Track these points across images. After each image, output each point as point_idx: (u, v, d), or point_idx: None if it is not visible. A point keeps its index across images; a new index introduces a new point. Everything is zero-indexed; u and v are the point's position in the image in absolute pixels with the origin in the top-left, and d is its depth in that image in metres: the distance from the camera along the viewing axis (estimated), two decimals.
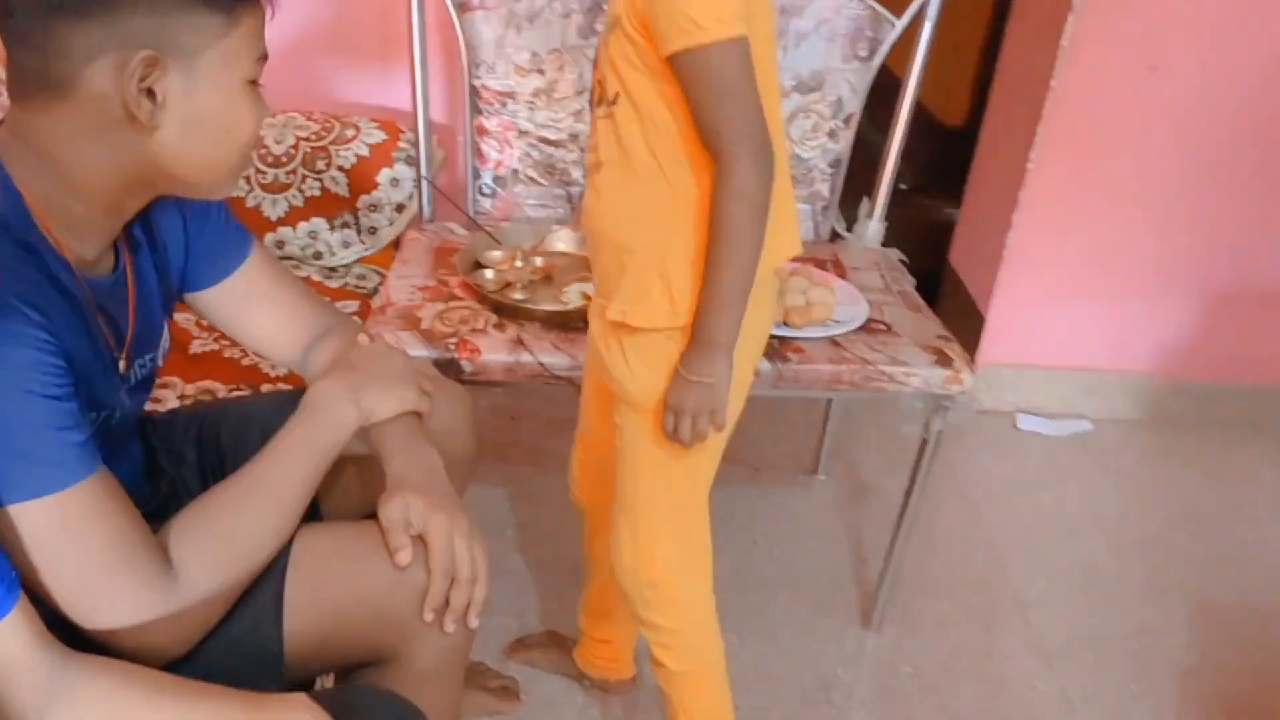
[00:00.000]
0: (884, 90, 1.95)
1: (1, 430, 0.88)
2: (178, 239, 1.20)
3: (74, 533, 0.93)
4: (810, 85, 1.90)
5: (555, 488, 1.71)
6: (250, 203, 2.01)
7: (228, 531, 1.04)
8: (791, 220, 1.29)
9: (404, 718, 1.01)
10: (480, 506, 2.11)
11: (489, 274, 1.72)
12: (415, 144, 1.94)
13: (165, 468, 1.29)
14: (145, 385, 1.19)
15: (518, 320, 1.64)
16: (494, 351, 1.57)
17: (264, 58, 1.00)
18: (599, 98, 1.19)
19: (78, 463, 0.92)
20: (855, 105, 1.93)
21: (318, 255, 2.04)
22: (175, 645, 1.01)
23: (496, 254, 1.77)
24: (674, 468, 1.30)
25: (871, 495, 2.29)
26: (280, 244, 2.03)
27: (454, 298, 1.70)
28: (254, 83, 0.99)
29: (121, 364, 1.08)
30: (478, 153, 1.95)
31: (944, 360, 1.65)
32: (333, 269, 2.06)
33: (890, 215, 2.03)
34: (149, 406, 1.39)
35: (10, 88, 0.94)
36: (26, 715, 0.88)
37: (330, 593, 1.10)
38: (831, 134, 1.95)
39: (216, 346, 1.74)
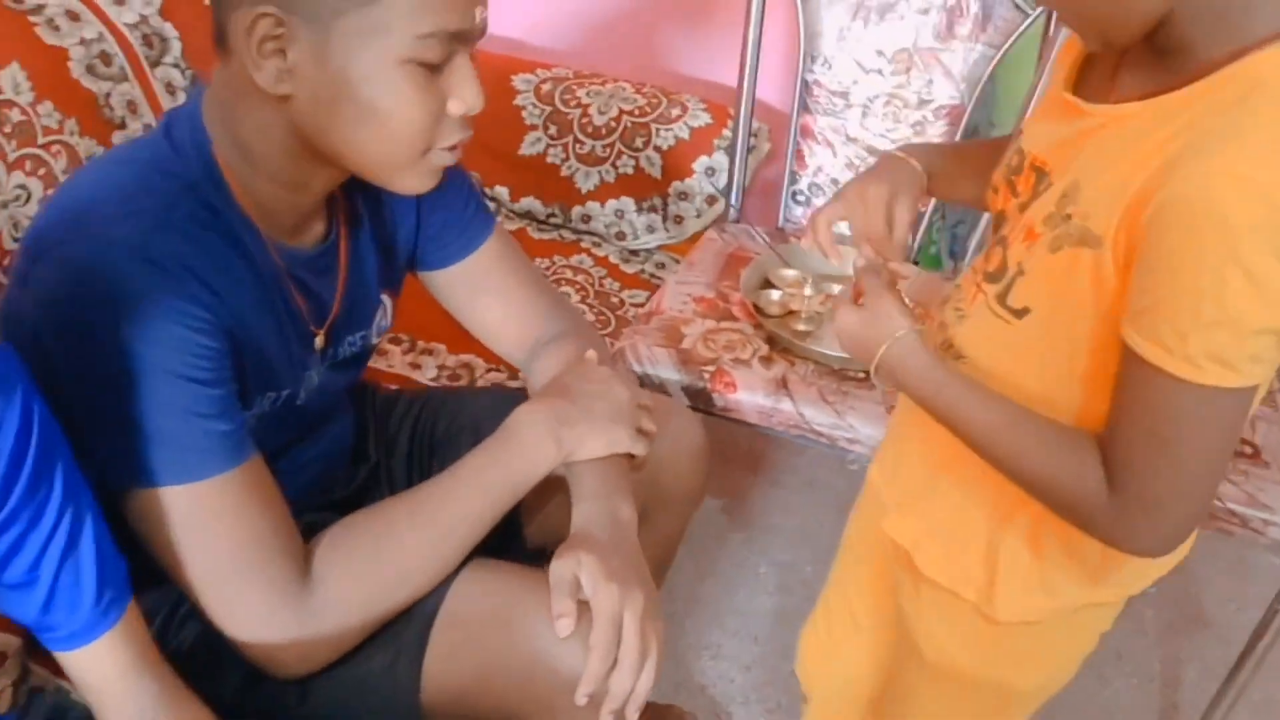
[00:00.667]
0: None
1: (138, 410, 0.82)
2: (409, 214, 1.12)
3: (204, 529, 0.87)
4: None
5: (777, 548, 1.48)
6: (564, 172, 1.93)
7: (381, 559, 0.95)
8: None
9: None
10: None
11: (774, 295, 1.52)
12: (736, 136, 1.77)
13: (372, 453, 1.23)
14: (354, 363, 1.12)
15: (789, 358, 1.43)
16: (751, 390, 1.38)
17: (447, 35, 0.84)
18: (996, 268, 0.84)
19: (216, 454, 0.86)
20: None
21: (620, 235, 1.93)
22: (300, 664, 0.93)
23: (790, 274, 1.57)
24: None
25: (1208, 628, 1.88)
26: (586, 218, 1.94)
27: (728, 316, 1.52)
28: (425, 65, 0.84)
29: (318, 339, 1.01)
30: (798, 155, 1.74)
31: None
32: (634, 252, 1.94)
33: None
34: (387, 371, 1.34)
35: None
36: None
37: (480, 646, 0.97)
38: None
39: None
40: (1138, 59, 0.75)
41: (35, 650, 1.11)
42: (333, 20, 0.81)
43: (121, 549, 0.82)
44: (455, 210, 1.13)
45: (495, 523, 1.00)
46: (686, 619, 1.78)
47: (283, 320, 0.96)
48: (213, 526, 0.87)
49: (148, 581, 0.87)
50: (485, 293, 1.17)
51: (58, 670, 1.07)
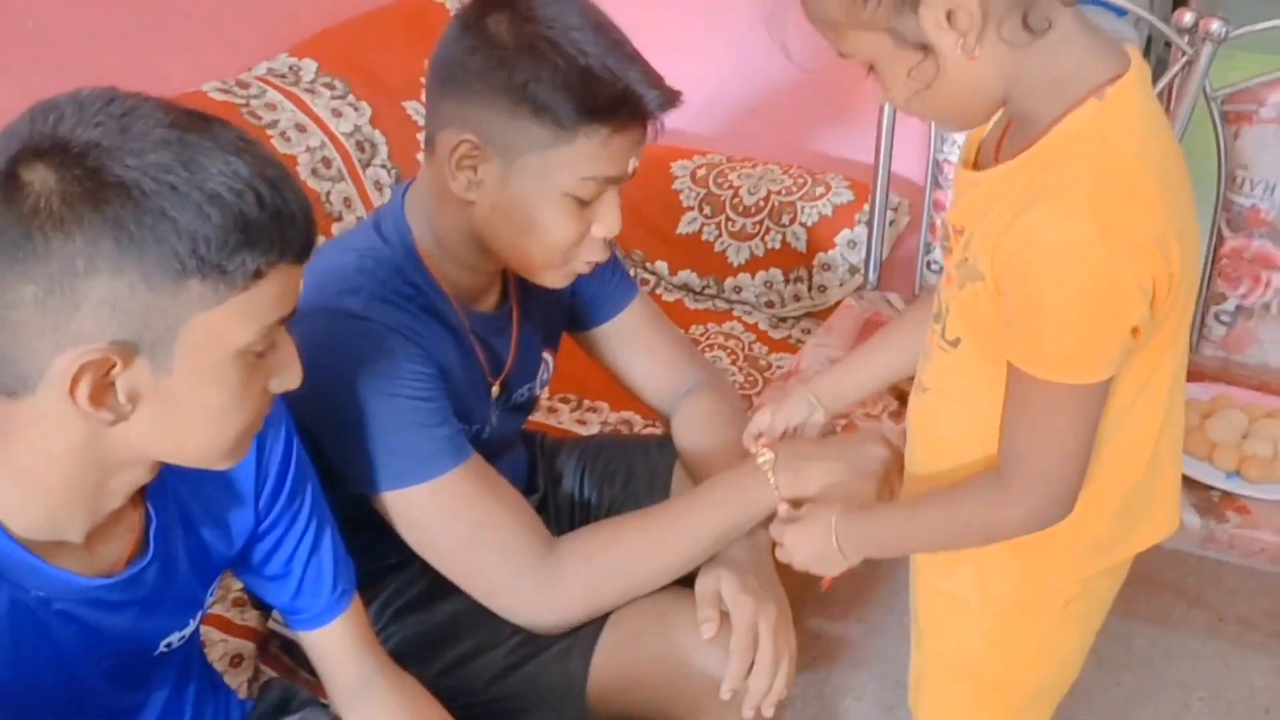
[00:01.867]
0: None
1: (377, 428, 1.05)
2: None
3: (452, 516, 1.09)
4: None
5: None
6: (718, 248, 2.11)
7: (615, 553, 1.14)
8: (1161, 506, 1.05)
9: None
10: None
11: None
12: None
13: (540, 484, 1.42)
14: (523, 409, 1.33)
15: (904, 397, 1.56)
16: None
17: (603, 179, 1.04)
18: (934, 316, 0.99)
19: (444, 454, 1.07)
20: None
21: (769, 304, 2.09)
22: (535, 622, 1.13)
23: None
24: None
25: None
26: (738, 289, 2.11)
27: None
28: (580, 199, 1.05)
29: (495, 389, 1.22)
30: (931, 227, 1.88)
31: None
32: (782, 319, 2.10)
33: None
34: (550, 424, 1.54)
35: None
36: (336, 704, 1.06)
37: (640, 645, 1.15)
38: None
39: None
40: (1012, 128, 0.89)
41: (264, 653, 1.35)
42: (518, 156, 1.03)
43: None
44: (604, 279, 1.32)
45: (720, 545, 1.15)
46: (832, 662, 1.89)
47: (472, 368, 1.18)
48: (459, 511, 1.09)
49: (366, 587, 1.09)
50: (633, 348, 1.36)
51: (283, 670, 1.30)
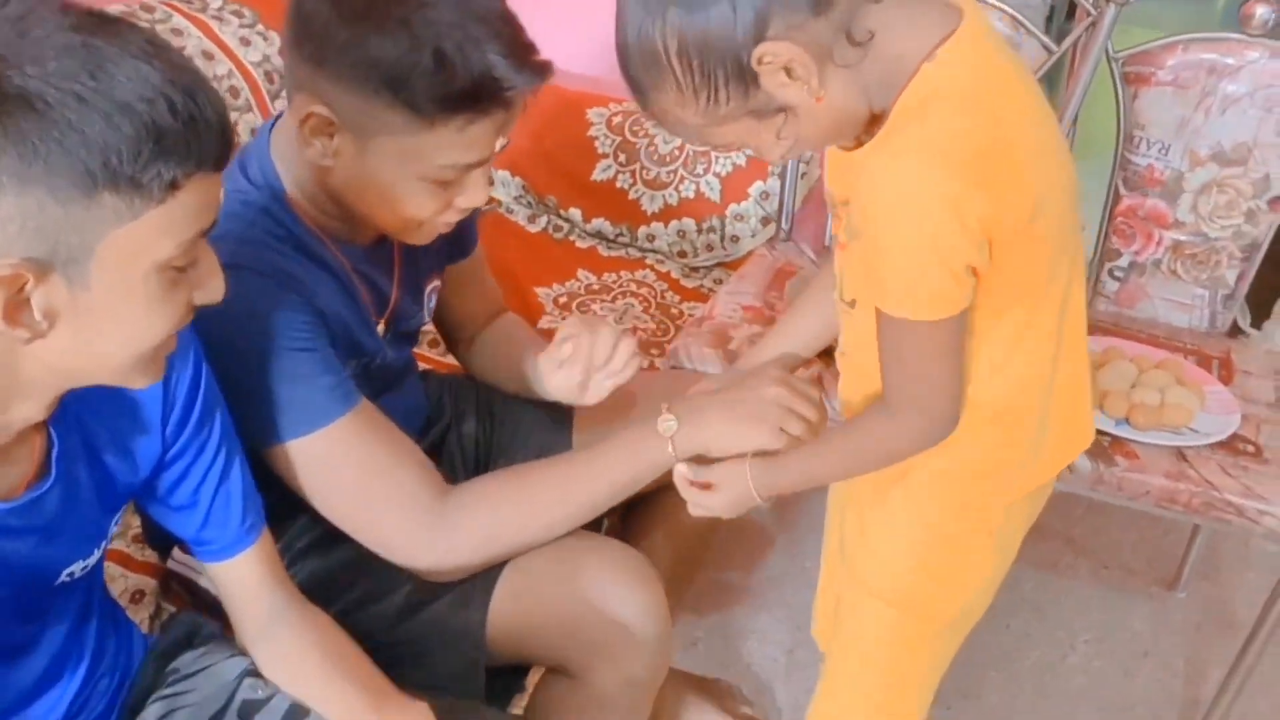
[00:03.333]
0: None
1: (259, 382, 1.02)
2: None
3: (340, 465, 1.07)
4: (1231, 158, 1.65)
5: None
6: (632, 195, 2.12)
7: (513, 504, 1.13)
8: (1065, 430, 1.10)
9: None
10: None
11: None
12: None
13: (442, 418, 1.41)
14: (412, 336, 1.31)
15: (826, 360, 1.59)
16: None
17: (472, 165, 1.02)
18: (839, 291, 1.06)
19: (329, 404, 1.05)
20: None
21: (682, 254, 2.11)
22: (435, 570, 1.13)
23: None
24: (893, 655, 1.20)
25: (1238, 630, 1.96)
26: (651, 238, 2.12)
27: (773, 323, 1.68)
28: (441, 182, 1.02)
29: (380, 326, 1.19)
30: None
31: None
32: (694, 269, 2.11)
33: None
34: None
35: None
36: (244, 639, 1.04)
37: (542, 592, 1.15)
38: (1249, 215, 1.68)
39: None
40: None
41: (166, 591, 1.32)
42: (372, 137, 0.99)
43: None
44: (470, 220, 1.32)
45: (614, 503, 1.16)
46: (736, 607, 1.93)
47: (356, 304, 1.15)
48: (348, 460, 1.07)
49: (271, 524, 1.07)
50: (471, 281, 1.38)
51: (184, 605, 1.28)
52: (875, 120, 0.93)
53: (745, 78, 0.86)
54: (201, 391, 0.95)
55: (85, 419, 0.88)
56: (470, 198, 1.06)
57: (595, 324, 1.21)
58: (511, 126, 1.03)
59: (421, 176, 1.01)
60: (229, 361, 0.99)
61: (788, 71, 0.85)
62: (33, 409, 0.80)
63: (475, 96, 0.96)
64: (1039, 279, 0.96)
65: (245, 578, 1.02)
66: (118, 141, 0.67)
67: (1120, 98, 1.69)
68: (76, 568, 0.91)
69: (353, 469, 1.07)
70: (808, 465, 1.10)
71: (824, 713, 1.30)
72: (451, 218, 1.09)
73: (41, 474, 0.84)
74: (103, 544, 0.95)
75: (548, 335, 1.77)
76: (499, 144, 1.03)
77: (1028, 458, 1.08)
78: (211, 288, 0.80)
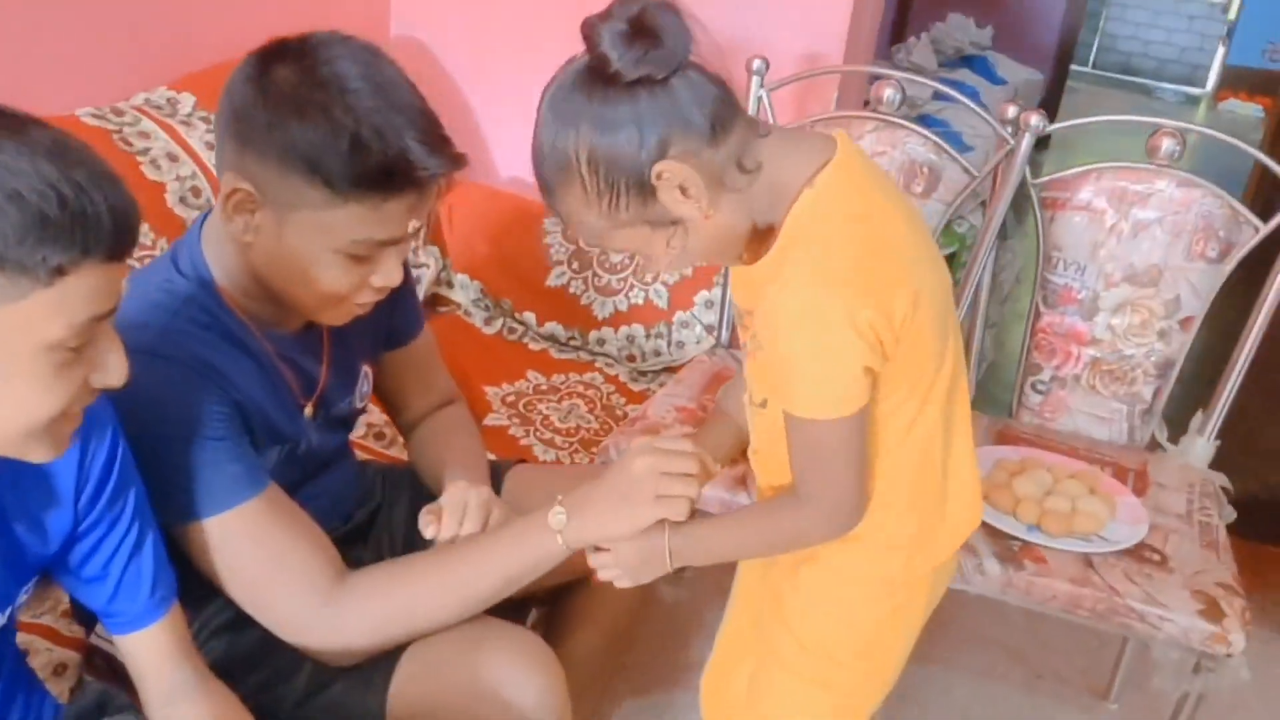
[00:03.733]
0: (1240, 291, 1.73)
1: (169, 466, 1.07)
2: (384, 302, 1.31)
3: (242, 546, 1.10)
4: (1144, 279, 1.74)
5: None
6: (584, 301, 2.20)
7: (406, 592, 1.16)
8: (960, 507, 1.18)
9: None
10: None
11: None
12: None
13: (372, 502, 1.45)
14: (344, 422, 1.35)
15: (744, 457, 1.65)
16: (715, 485, 1.59)
17: (384, 242, 1.06)
18: (749, 394, 1.17)
19: (234, 489, 1.09)
20: (1195, 308, 1.73)
21: (631, 357, 2.18)
22: (328, 652, 1.15)
23: None
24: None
25: None
26: (601, 342, 2.20)
27: (704, 422, 1.74)
28: (355, 257, 1.06)
29: (309, 409, 1.24)
30: None
31: (1213, 613, 1.42)
32: (643, 372, 2.18)
33: (1228, 436, 1.78)
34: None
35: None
36: (149, 711, 1.06)
37: (443, 672, 1.17)
38: (1162, 334, 1.76)
39: (507, 423, 1.92)
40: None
41: (90, 665, 1.35)
42: (290, 212, 1.04)
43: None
44: (410, 305, 1.39)
45: (508, 594, 1.18)
46: (675, 687, 1.93)
47: (279, 391, 1.19)
48: (248, 543, 1.10)
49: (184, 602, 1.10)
50: (417, 369, 1.44)
51: (106, 679, 1.30)
52: (762, 236, 1.03)
53: (645, 190, 0.96)
54: (117, 467, 0.99)
55: None
56: (385, 276, 1.10)
57: (466, 499, 1.26)
58: (425, 208, 1.08)
59: (336, 250, 1.05)
60: (143, 444, 1.03)
61: (682, 190, 0.95)
62: None
63: (389, 176, 1.01)
64: (926, 369, 1.05)
65: (152, 650, 1.04)
66: (4, 227, 0.73)
67: (1039, 221, 1.79)
68: None
69: (252, 550, 1.10)
70: (718, 541, 1.15)
71: None
72: (367, 298, 1.13)
73: None
74: (8, 609, 0.97)
75: (491, 433, 1.85)
76: (412, 225, 1.08)
77: (931, 532, 1.16)
78: (111, 370, 0.84)
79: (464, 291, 2.30)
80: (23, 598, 0.99)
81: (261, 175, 1.03)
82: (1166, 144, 1.69)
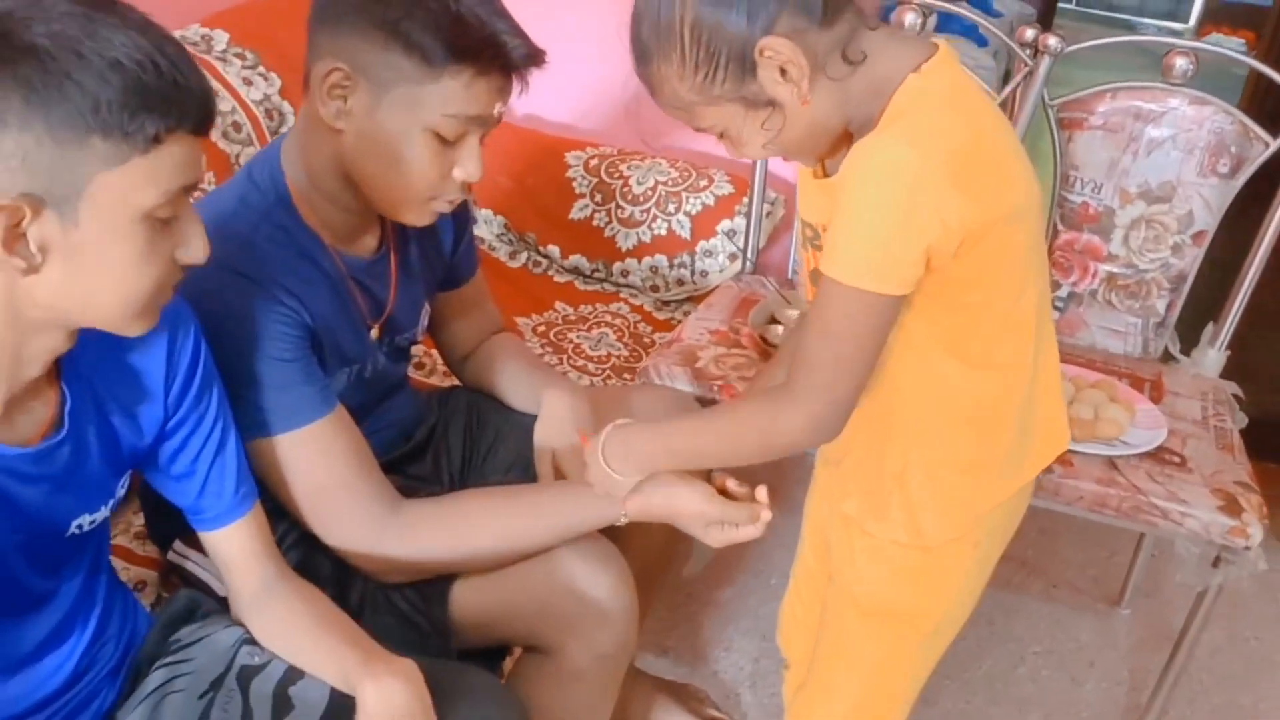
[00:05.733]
0: (1250, 209, 1.79)
1: (243, 382, 1.12)
2: (449, 234, 1.41)
3: (308, 464, 1.16)
4: (1157, 195, 1.80)
5: (787, 562, 1.71)
6: (607, 233, 2.25)
7: (461, 527, 1.22)
8: (1046, 430, 1.17)
9: (503, 706, 1.10)
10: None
11: (778, 329, 1.81)
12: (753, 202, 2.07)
13: (427, 430, 1.49)
14: (404, 353, 1.40)
15: None
16: None
17: (466, 118, 1.10)
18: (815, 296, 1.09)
19: (302, 410, 1.14)
20: (1208, 222, 1.79)
21: (654, 288, 2.23)
22: (383, 573, 1.21)
23: (793, 313, 1.85)
24: (877, 667, 1.26)
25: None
26: (625, 273, 2.25)
27: (738, 345, 1.80)
28: (442, 138, 1.10)
29: (374, 331, 1.29)
30: None
31: (1232, 508, 1.50)
32: (665, 302, 2.24)
33: (1239, 347, 1.86)
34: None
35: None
36: (238, 609, 1.13)
37: (510, 575, 1.23)
38: (1175, 248, 1.82)
39: (541, 352, 1.98)
40: (857, 137, 1.01)
41: (167, 582, 1.41)
42: (386, 89, 1.09)
43: None
44: (469, 245, 1.45)
45: (554, 545, 1.23)
46: (704, 618, 2.02)
47: (349, 312, 1.24)
48: (316, 460, 1.16)
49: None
50: (471, 307, 1.50)
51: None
52: (845, 140, 1.01)
53: (745, 66, 0.93)
54: (201, 365, 1.04)
55: (95, 382, 0.97)
56: (467, 167, 1.14)
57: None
58: (508, 95, 1.13)
59: (426, 127, 1.09)
60: (218, 356, 1.08)
61: (782, 71, 0.93)
62: (42, 354, 0.88)
63: (481, 53, 1.07)
64: (1013, 280, 1.02)
65: (237, 545, 1.10)
66: (108, 93, 0.77)
67: (1056, 141, 1.84)
68: (85, 520, 0.99)
69: (319, 467, 1.15)
70: (676, 437, 1.14)
71: None
72: (450, 193, 1.16)
73: (55, 427, 0.93)
74: (110, 502, 1.02)
75: None
76: (496, 109, 1.12)
77: (1012, 456, 1.13)
78: (194, 246, 0.89)
79: (488, 227, 2.34)
80: (120, 491, 1.03)
81: (359, 53, 1.07)
82: (1180, 63, 1.74)
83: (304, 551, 1.23)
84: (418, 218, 1.19)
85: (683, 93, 0.97)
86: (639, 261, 2.23)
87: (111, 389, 0.99)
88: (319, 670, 1.08)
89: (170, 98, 0.80)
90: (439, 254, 1.39)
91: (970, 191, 0.92)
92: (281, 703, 1.05)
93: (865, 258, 0.94)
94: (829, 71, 0.94)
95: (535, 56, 1.12)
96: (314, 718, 1.04)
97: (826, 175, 1.06)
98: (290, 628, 1.11)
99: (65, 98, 0.76)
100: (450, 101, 1.09)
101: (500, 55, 1.09)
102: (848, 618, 1.24)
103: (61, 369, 0.93)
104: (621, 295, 2.23)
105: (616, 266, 2.25)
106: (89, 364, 0.95)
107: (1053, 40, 1.76)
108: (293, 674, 1.08)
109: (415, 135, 1.10)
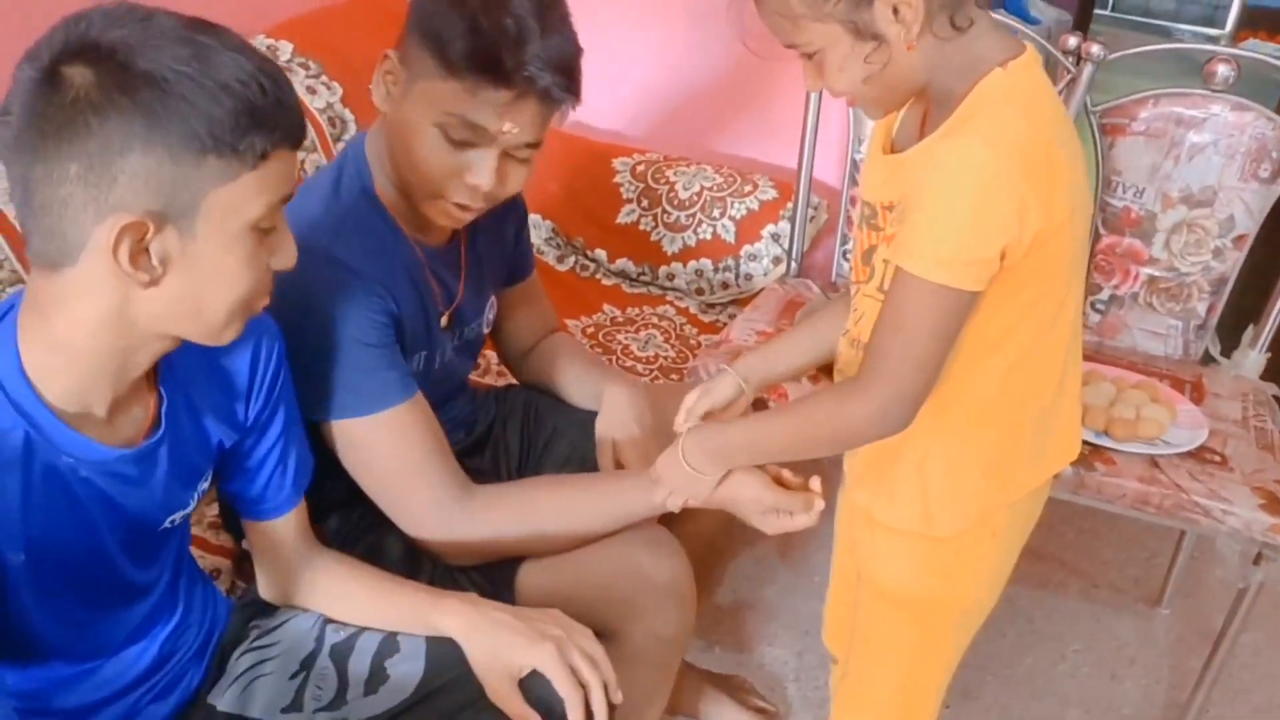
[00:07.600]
0: None
1: (331, 365, 1.18)
2: (510, 227, 1.48)
3: (386, 447, 1.21)
4: (1199, 200, 1.83)
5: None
6: (654, 238, 2.30)
7: (528, 510, 1.27)
8: (1064, 434, 1.19)
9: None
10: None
11: None
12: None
13: (485, 426, 1.56)
14: (470, 348, 1.46)
15: (830, 375, 1.75)
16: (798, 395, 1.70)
17: (465, 123, 1.13)
18: (867, 276, 1.11)
19: (387, 393, 1.20)
20: (1249, 226, 1.82)
21: (699, 291, 2.28)
22: (452, 556, 1.27)
23: None
24: (909, 655, 1.29)
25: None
26: (671, 277, 2.30)
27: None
28: (449, 137, 1.14)
29: (444, 319, 1.34)
30: (848, 221, 2.09)
31: (1273, 506, 1.53)
32: (710, 305, 2.29)
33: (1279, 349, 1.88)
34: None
35: None
36: (286, 580, 1.19)
37: (565, 565, 1.29)
38: (1217, 252, 1.85)
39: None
40: (932, 110, 1.04)
41: (240, 570, 1.47)
42: (415, 79, 1.14)
43: None
44: (525, 245, 1.52)
45: (614, 529, 1.28)
46: (749, 614, 2.07)
47: (425, 300, 1.29)
48: (395, 443, 1.21)
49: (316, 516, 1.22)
50: (527, 304, 1.56)
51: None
52: (929, 112, 1.03)
53: None
54: (282, 376, 1.10)
55: (188, 383, 1.03)
56: (475, 174, 1.17)
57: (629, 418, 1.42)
58: (521, 120, 1.14)
59: (434, 122, 1.14)
60: (305, 340, 1.14)
61: (896, 10, 0.94)
62: (147, 359, 0.94)
63: (491, 68, 1.10)
64: (1061, 283, 1.04)
65: (283, 531, 1.17)
66: (221, 114, 0.82)
67: (1098, 146, 1.87)
68: (177, 515, 1.04)
69: (397, 451, 1.21)
70: (751, 434, 1.17)
71: (847, 714, 1.39)
72: (462, 197, 1.20)
73: (154, 427, 0.99)
74: (196, 496, 1.08)
75: None
76: (506, 126, 1.14)
77: (1031, 457, 1.16)
78: (286, 254, 0.95)
79: (537, 231, 2.40)
80: (204, 485, 1.09)
81: (409, 46, 1.15)
82: (1222, 70, 1.77)
83: (376, 535, 1.29)
84: (432, 213, 1.23)
85: (792, 2, 0.96)
86: (684, 265, 2.28)
87: (203, 390, 1.05)
88: (389, 621, 1.15)
89: (274, 116, 0.85)
90: (502, 247, 1.45)
91: (1041, 193, 0.94)
92: (377, 675, 1.11)
93: (940, 250, 0.95)
94: (935, 28, 0.96)
95: (558, 96, 1.13)
96: (407, 690, 1.09)
97: (894, 150, 1.08)
98: (350, 590, 1.18)
99: (183, 120, 0.81)
100: (453, 102, 1.12)
101: (512, 78, 1.11)
102: (877, 610, 1.28)
103: (159, 372, 0.99)
104: (668, 298, 2.28)
105: (662, 270, 2.30)
106: (183, 366, 1.01)
107: (1095, 48, 1.80)
108: (388, 646, 1.14)
109: (425, 129, 1.15)
